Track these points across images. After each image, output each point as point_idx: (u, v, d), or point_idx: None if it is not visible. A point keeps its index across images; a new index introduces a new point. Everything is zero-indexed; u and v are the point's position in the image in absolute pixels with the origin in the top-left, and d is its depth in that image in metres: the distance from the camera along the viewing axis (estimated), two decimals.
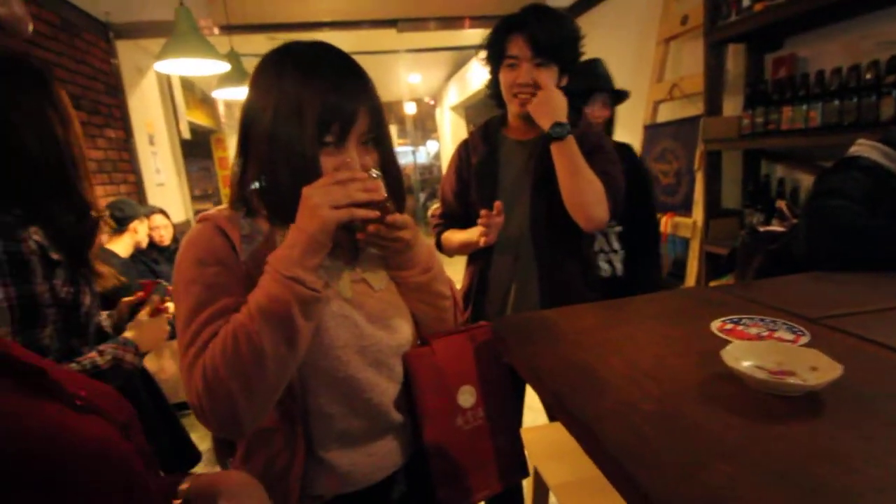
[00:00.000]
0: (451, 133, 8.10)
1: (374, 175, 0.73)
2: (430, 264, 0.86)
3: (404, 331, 0.86)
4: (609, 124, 1.89)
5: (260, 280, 0.71)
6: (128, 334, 1.11)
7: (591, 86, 1.83)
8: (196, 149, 5.81)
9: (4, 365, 0.36)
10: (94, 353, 1.02)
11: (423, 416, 0.84)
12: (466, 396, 0.88)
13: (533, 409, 1.68)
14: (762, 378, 0.56)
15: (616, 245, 1.82)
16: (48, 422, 0.35)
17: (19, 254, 0.90)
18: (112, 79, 3.30)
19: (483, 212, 1.30)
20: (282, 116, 0.72)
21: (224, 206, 0.83)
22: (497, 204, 1.30)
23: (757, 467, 0.45)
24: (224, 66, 2.11)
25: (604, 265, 1.82)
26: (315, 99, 0.71)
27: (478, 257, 1.52)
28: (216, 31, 3.29)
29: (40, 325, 0.93)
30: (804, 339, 0.70)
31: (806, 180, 2.09)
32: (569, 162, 1.30)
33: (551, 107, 1.30)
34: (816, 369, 0.58)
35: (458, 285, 1.34)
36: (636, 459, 0.47)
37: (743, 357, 0.61)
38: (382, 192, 0.71)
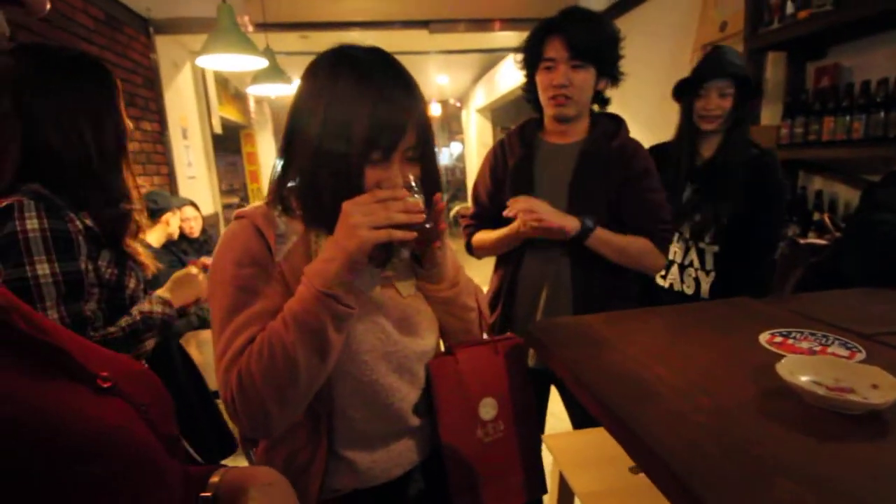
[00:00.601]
0: (476, 135, 8.10)
1: (414, 190, 0.72)
2: (458, 279, 0.86)
3: (429, 338, 0.86)
4: (738, 120, 1.59)
5: (297, 291, 0.71)
6: (160, 291, 1.17)
7: (700, 73, 1.59)
8: (225, 143, 5.91)
9: (24, 344, 0.35)
10: (126, 316, 1.07)
11: (443, 426, 0.84)
12: (488, 409, 0.88)
13: (554, 416, 1.66)
14: (822, 394, 0.54)
15: (710, 265, 1.62)
16: (62, 407, 0.34)
17: (66, 232, 0.95)
18: (150, 73, 3.38)
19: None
20: (330, 129, 0.71)
21: (260, 202, 0.83)
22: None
23: (822, 486, 0.44)
24: (262, 63, 2.15)
25: (688, 281, 1.67)
26: (365, 115, 0.70)
27: (509, 259, 1.51)
28: (250, 28, 3.35)
29: (83, 300, 0.98)
30: (860, 356, 0.68)
31: (844, 193, 2.03)
32: (608, 249, 1.33)
33: (557, 213, 1.30)
34: (878, 387, 0.56)
35: (485, 288, 1.34)
36: (695, 472, 0.46)
37: (799, 371, 0.59)
38: (422, 215, 0.70)
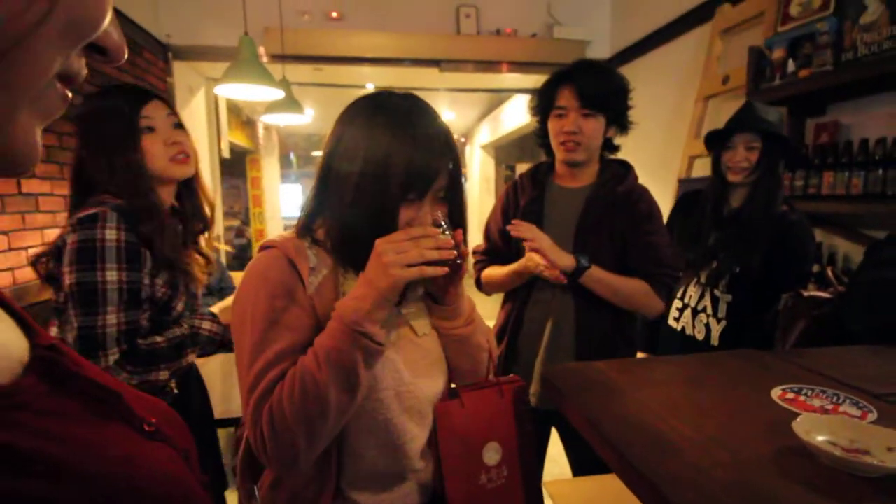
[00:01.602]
0: (479, 171, 8.22)
1: (444, 227, 0.75)
2: (473, 317, 0.88)
3: (439, 380, 0.87)
4: (765, 174, 1.59)
5: (328, 326, 0.72)
6: (213, 307, 1.23)
7: (728, 126, 1.64)
8: (231, 167, 5.98)
9: (80, 385, 0.34)
10: (175, 327, 1.15)
11: (447, 470, 0.84)
12: (492, 454, 0.87)
13: (552, 460, 1.64)
14: (839, 455, 0.55)
15: (722, 313, 1.62)
16: (119, 449, 0.34)
17: (136, 244, 1.07)
18: (166, 96, 3.45)
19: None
20: (369, 170, 0.74)
21: (289, 232, 0.85)
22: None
23: None
24: (278, 93, 2.21)
25: (699, 326, 1.67)
26: (403, 160, 0.73)
27: (516, 296, 1.53)
28: (265, 58, 3.44)
29: (142, 309, 1.09)
30: (872, 417, 0.69)
31: (843, 246, 2.07)
32: (602, 288, 1.38)
33: (556, 249, 1.35)
34: (893, 450, 0.57)
35: (491, 324, 1.35)
36: None
37: (815, 431, 0.60)
38: (453, 252, 0.73)
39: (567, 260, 1.34)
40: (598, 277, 1.36)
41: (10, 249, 1.99)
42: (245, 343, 0.74)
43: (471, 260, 1.66)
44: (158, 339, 1.10)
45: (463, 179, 0.84)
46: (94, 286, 1.01)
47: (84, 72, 0.31)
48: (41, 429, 0.28)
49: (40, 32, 0.25)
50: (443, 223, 0.75)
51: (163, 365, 1.10)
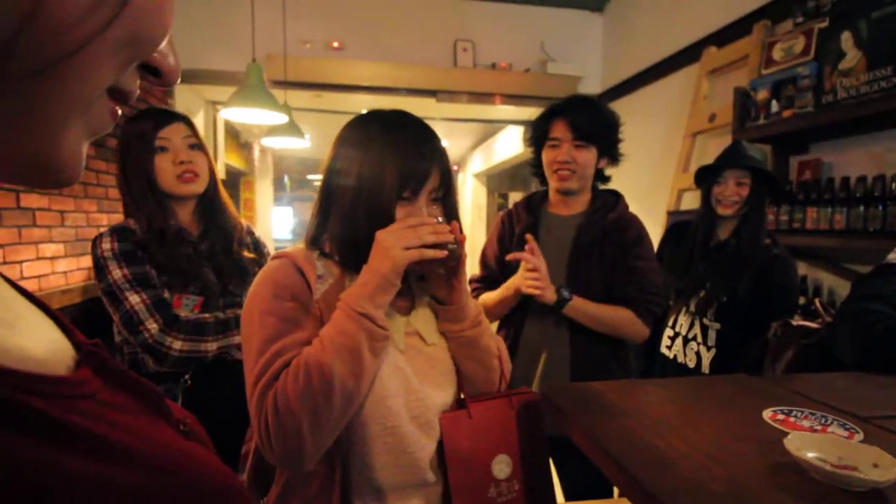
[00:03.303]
0: (471, 198, 8.32)
1: (440, 222, 0.80)
2: (480, 318, 0.89)
3: (448, 391, 0.88)
4: (753, 209, 1.68)
5: (332, 316, 0.75)
6: None
7: (718, 162, 1.74)
8: (225, 189, 6.00)
9: (128, 381, 0.34)
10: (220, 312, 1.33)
11: (454, 484, 0.83)
12: (502, 466, 0.86)
13: None
14: (829, 470, 0.58)
15: (711, 341, 1.66)
16: (174, 443, 0.34)
17: (130, 249, 1.27)
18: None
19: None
20: (367, 172, 0.80)
21: (300, 244, 0.89)
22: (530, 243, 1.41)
23: None
24: (282, 118, 2.26)
25: (690, 354, 1.71)
26: (397, 160, 0.79)
27: (510, 322, 1.56)
28: (267, 84, 3.52)
29: (160, 289, 1.27)
30: (858, 437, 0.72)
31: (828, 279, 2.14)
32: (585, 318, 1.42)
33: (545, 282, 1.39)
34: (878, 466, 0.60)
35: None
36: None
37: (805, 448, 0.63)
38: (450, 235, 0.78)
39: (550, 293, 1.39)
40: (580, 308, 1.40)
41: (5, 262, 1.98)
42: (253, 341, 0.77)
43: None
44: (206, 315, 1.29)
45: (455, 183, 0.89)
46: (110, 287, 1.23)
47: (136, 91, 0.31)
48: (107, 417, 0.28)
49: (99, 43, 0.24)
50: (439, 219, 0.81)
51: (210, 337, 1.26)
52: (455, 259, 0.80)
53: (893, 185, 1.73)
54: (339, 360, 0.71)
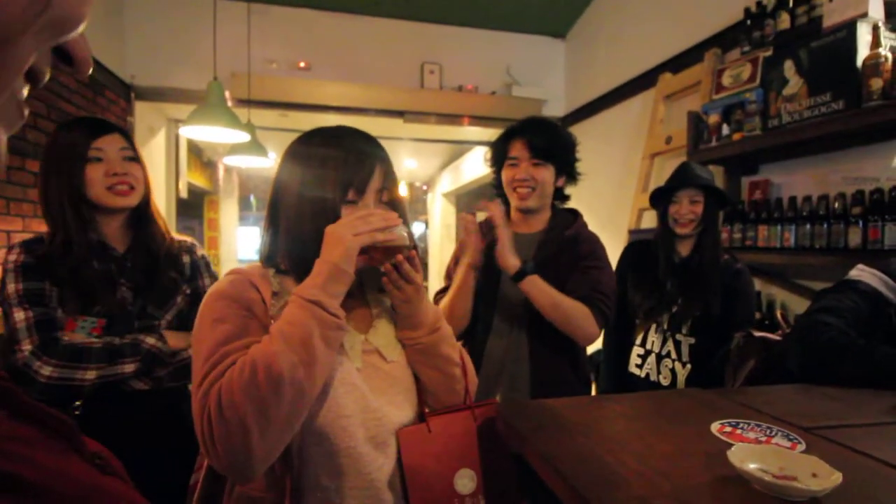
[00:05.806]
0: (440, 217, 8.36)
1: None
2: (438, 325, 0.88)
3: (407, 410, 0.86)
4: (708, 225, 1.76)
5: (283, 311, 0.74)
6: (166, 330, 1.28)
7: (670, 183, 1.80)
8: (188, 209, 5.86)
9: (37, 414, 0.32)
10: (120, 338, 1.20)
11: (413, 499, 0.80)
12: (465, 481, 0.84)
13: None
14: (769, 481, 0.59)
15: (686, 356, 1.70)
16: (86, 478, 0.32)
17: (32, 263, 1.20)
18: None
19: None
20: (309, 179, 0.80)
21: (255, 263, 0.88)
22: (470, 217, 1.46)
23: None
24: (244, 136, 2.24)
25: (665, 372, 1.73)
26: (337, 164, 0.80)
27: (473, 338, 1.56)
28: (230, 102, 3.48)
29: (52, 308, 1.19)
30: (800, 447, 0.74)
31: (780, 294, 2.22)
32: (543, 297, 1.41)
33: (510, 249, 1.43)
34: (816, 476, 0.61)
35: None
36: None
37: (748, 459, 0.64)
38: (399, 220, 0.78)
39: (514, 260, 1.40)
40: (540, 286, 1.40)
41: None
42: (202, 347, 0.74)
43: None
44: (95, 340, 1.17)
45: (400, 184, 0.90)
46: (4, 300, 1.17)
47: (48, 73, 0.31)
48: (12, 452, 0.27)
49: (30, 30, 0.25)
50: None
51: (91, 365, 1.14)
52: (405, 250, 0.79)
53: (836, 204, 1.82)
54: (288, 350, 0.67)
